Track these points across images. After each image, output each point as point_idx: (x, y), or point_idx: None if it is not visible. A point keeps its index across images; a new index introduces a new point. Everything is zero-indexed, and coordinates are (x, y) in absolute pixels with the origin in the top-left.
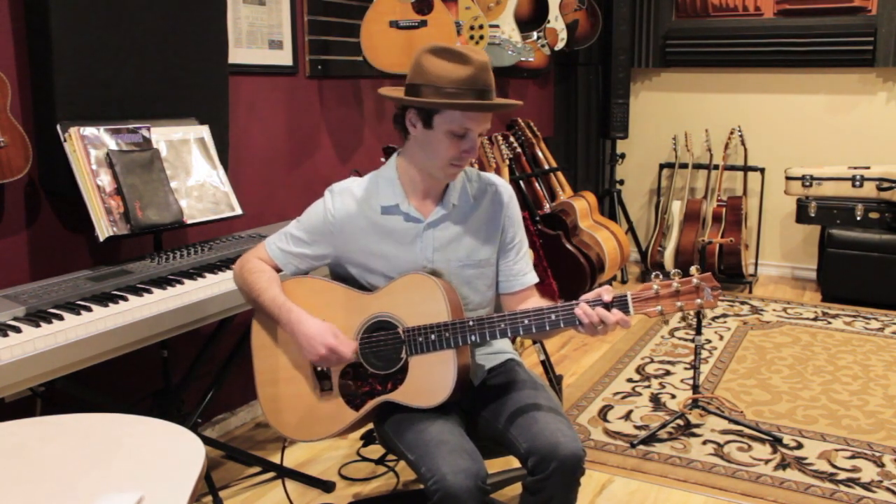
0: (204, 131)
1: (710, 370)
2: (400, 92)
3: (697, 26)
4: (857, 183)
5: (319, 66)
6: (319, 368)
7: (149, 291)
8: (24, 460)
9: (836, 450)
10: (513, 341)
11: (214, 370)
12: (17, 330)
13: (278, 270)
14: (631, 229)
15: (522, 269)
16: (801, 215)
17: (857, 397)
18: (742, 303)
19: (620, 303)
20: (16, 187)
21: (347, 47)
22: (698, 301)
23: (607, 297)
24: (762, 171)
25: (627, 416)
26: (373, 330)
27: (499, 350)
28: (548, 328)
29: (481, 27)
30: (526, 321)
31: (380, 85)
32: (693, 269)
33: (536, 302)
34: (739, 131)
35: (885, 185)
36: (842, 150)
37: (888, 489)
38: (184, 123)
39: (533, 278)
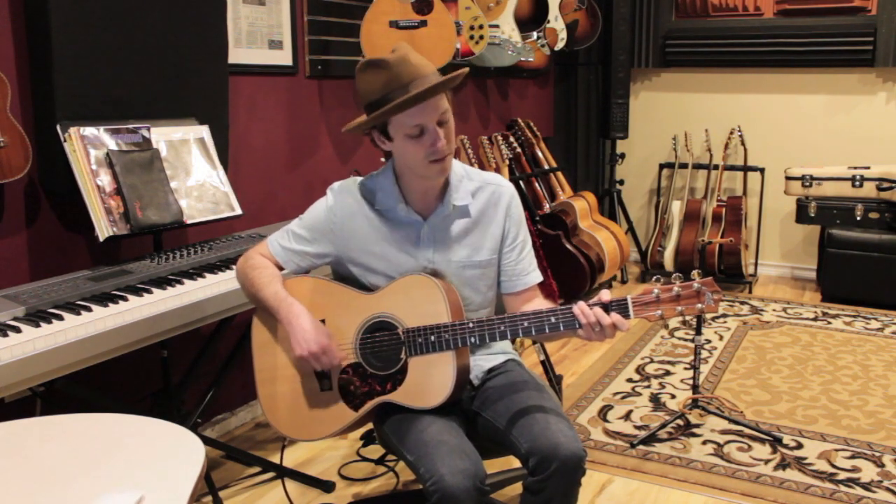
0: (204, 131)
1: (710, 370)
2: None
3: (697, 26)
4: (857, 183)
5: (319, 66)
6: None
7: (149, 291)
8: (24, 460)
9: (836, 450)
10: (513, 341)
11: (214, 370)
12: (17, 330)
13: (280, 268)
14: (631, 229)
15: (525, 268)
16: (801, 215)
17: (857, 397)
18: (742, 303)
19: (621, 306)
20: (16, 187)
21: (347, 47)
22: (699, 306)
23: (606, 298)
24: (762, 171)
25: (627, 416)
26: (373, 330)
27: (499, 350)
28: (547, 330)
29: (481, 27)
30: (525, 323)
31: None
32: (694, 273)
33: (539, 303)
34: (739, 131)
35: (885, 185)
36: (842, 150)
37: (888, 489)
38: (184, 123)
39: (536, 278)
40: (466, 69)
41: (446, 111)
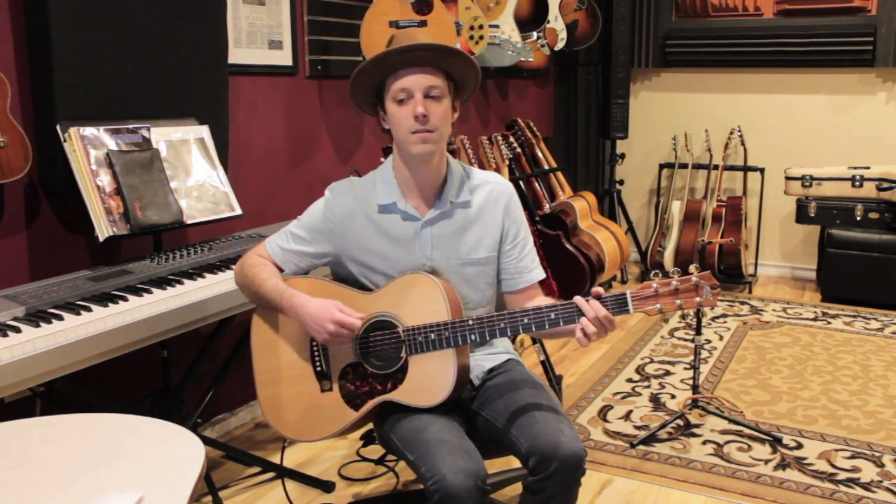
0: (204, 131)
1: (710, 370)
2: None
3: (697, 26)
4: (857, 183)
5: (319, 66)
6: (319, 368)
7: (149, 291)
8: (24, 460)
9: (836, 450)
10: (513, 341)
11: (214, 370)
12: (17, 330)
13: (279, 269)
14: (631, 229)
15: (527, 266)
16: (801, 215)
17: (857, 397)
18: (742, 303)
19: (620, 301)
20: (16, 187)
21: (347, 47)
22: (697, 299)
23: (603, 292)
24: (762, 171)
25: (627, 417)
26: (372, 329)
27: (499, 350)
28: (547, 327)
29: (481, 27)
30: (525, 320)
31: None
32: (692, 268)
33: (541, 300)
34: (739, 131)
35: (885, 185)
36: (842, 150)
37: (888, 489)
38: (184, 123)
39: (538, 275)
40: (474, 62)
41: (436, 87)
